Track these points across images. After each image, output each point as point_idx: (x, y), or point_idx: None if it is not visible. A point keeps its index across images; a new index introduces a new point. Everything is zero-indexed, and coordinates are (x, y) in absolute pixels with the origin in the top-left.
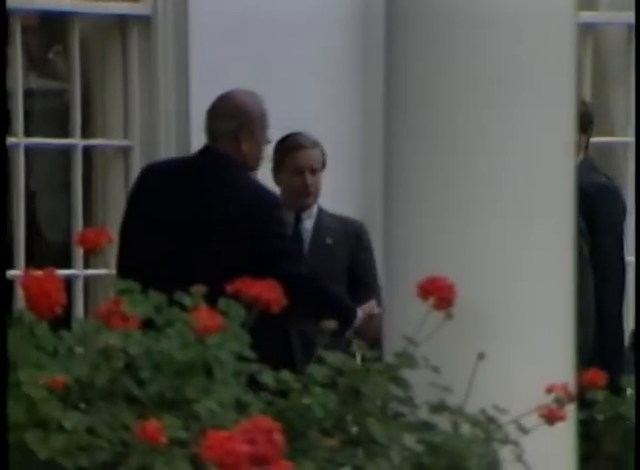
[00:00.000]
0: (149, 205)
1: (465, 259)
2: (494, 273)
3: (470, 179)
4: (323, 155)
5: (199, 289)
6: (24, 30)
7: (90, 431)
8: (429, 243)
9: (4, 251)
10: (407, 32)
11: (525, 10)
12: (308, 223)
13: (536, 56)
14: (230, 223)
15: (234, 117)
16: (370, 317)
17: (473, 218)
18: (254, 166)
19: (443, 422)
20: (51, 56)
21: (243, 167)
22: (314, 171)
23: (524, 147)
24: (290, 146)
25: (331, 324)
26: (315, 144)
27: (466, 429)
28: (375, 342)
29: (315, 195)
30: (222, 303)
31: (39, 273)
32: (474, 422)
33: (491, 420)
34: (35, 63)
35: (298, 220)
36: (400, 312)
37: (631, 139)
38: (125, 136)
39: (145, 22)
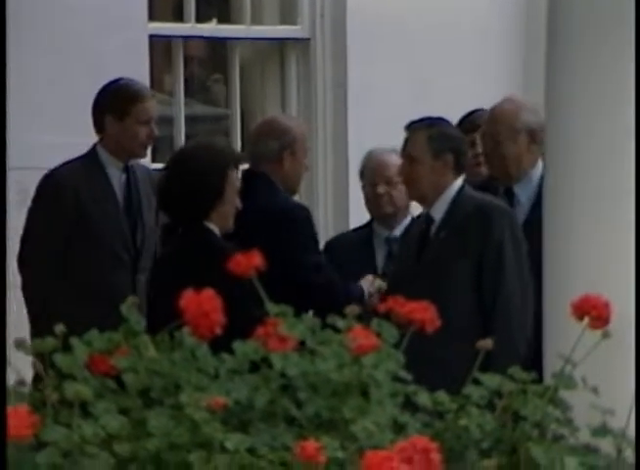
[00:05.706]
0: None
1: (622, 275)
2: None
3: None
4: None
5: (353, 309)
6: (186, 57)
7: (251, 451)
8: (586, 260)
9: (3, 257)
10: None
11: None
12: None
13: None
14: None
15: (277, 139)
16: (379, 290)
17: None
18: (294, 189)
19: (606, 445)
20: (211, 82)
21: (278, 190)
22: None
23: None
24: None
25: (488, 343)
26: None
27: (629, 453)
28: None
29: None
30: (375, 323)
31: (198, 294)
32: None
33: None
34: (196, 89)
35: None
36: (559, 332)
37: None
38: None
39: (304, 44)
